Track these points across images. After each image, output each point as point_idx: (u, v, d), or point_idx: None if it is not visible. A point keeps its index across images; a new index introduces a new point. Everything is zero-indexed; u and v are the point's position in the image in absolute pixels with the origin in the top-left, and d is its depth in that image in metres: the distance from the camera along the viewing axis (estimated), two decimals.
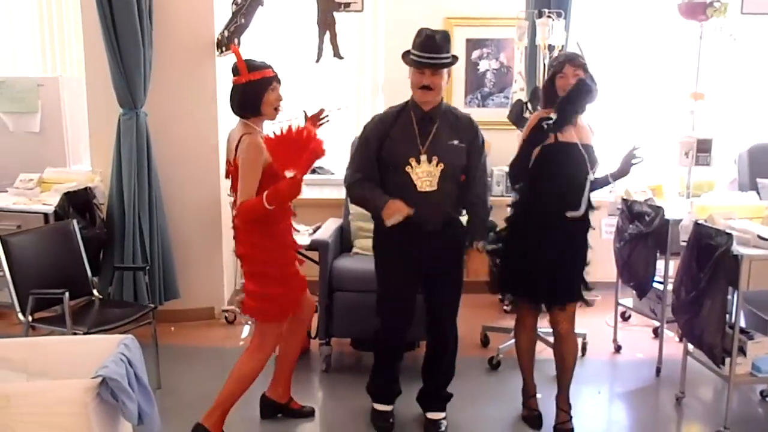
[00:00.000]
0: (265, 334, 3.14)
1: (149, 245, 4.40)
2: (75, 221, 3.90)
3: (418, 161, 3.01)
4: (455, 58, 3.04)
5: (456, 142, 3.07)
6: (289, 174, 2.81)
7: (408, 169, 3.00)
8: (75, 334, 3.29)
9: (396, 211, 2.94)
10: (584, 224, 3.28)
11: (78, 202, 4.30)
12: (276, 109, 3.06)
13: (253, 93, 3.01)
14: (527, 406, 3.51)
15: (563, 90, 3.01)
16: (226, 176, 3.19)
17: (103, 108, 4.45)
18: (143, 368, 2.49)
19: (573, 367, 3.35)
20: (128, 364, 2.36)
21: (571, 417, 3.34)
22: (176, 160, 4.61)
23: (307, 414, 3.52)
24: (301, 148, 2.84)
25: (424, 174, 3.00)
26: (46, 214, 4.25)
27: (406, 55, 3.04)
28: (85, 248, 3.85)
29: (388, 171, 3.07)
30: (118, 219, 4.38)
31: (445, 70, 3.01)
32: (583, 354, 4.26)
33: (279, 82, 3.07)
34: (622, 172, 3.33)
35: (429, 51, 2.95)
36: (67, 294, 3.35)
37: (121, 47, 4.18)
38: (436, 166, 3.02)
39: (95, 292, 3.92)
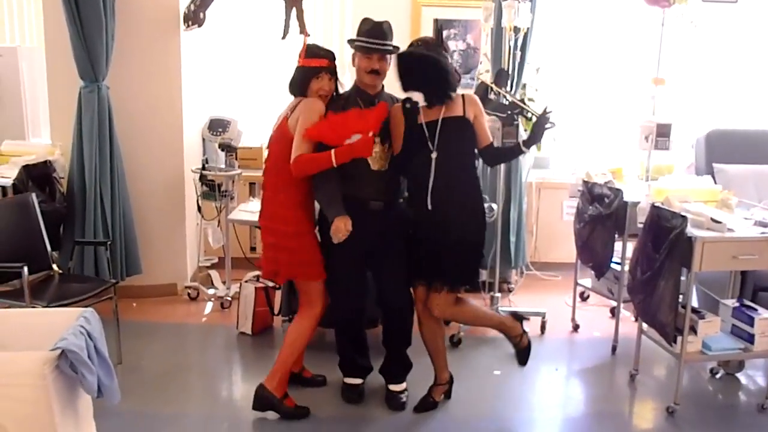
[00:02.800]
0: (310, 293, 3.23)
1: (111, 220, 4.35)
2: (34, 195, 3.83)
3: (382, 141, 3.10)
4: (398, 48, 3.17)
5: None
6: (355, 137, 2.95)
7: None
8: (34, 308, 3.26)
9: (336, 230, 3.01)
10: (472, 208, 3.22)
11: (37, 175, 4.22)
12: (321, 98, 3.14)
13: (301, 77, 3.16)
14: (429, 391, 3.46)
15: None
16: (270, 145, 3.25)
17: (64, 80, 4.37)
18: (103, 341, 2.48)
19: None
20: (88, 337, 2.34)
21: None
22: (139, 134, 4.55)
23: (319, 383, 3.59)
24: (363, 118, 3.01)
25: (376, 154, 3.10)
26: (4, 187, 4.15)
27: (352, 42, 3.18)
28: (44, 222, 3.78)
29: None
30: (78, 193, 4.32)
31: (389, 57, 3.15)
32: (542, 333, 4.36)
33: (331, 73, 3.15)
34: (534, 138, 3.26)
35: (377, 37, 3.11)
36: (25, 268, 3.30)
37: (82, 17, 4.09)
38: (389, 148, 3.16)
39: (55, 266, 3.87)
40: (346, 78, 3.68)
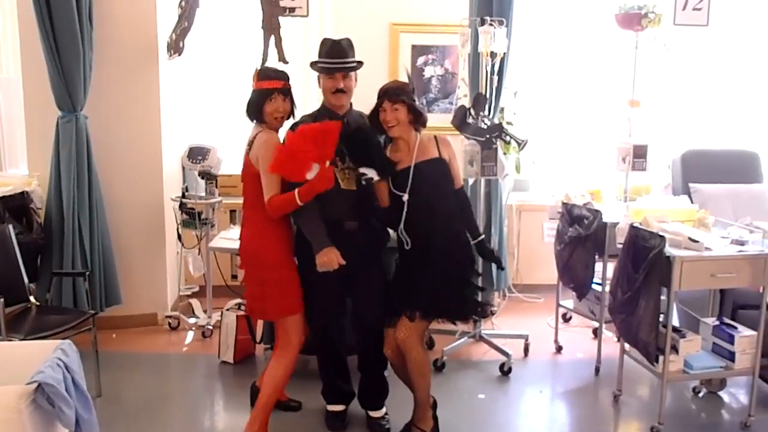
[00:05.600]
0: (288, 329, 3.17)
1: (89, 250, 4.31)
2: (11, 226, 3.78)
3: (344, 161, 3.09)
4: (361, 63, 3.20)
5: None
6: (314, 169, 2.90)
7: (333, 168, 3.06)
8: (10, 341, 3.20)
9: (328, 262, 2.98)
10: (455, 239, 3.20)
11: (14, 206, 4.17)
12: (276, 119, 3.14)
13: (255, 100, 3.14)
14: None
15: (386, 123, 3.06)
16: (242, 180, 3.21)
17: (41, 110, 4.34)
18: (81, 373, 2.45)
19: (420, 386, 3.20)
20: (65, 370, 2.31)
21: None
22: (118, 164, 4.54)
23: (294, 407, 3.57)
24: (319, 141, 2.94)
25: (340, 174, 3.08)
26: None
27: (314, 65, 3.21)
28: (21, 254, 3.73)
29: None
30: (56, 224, 4.28)
31: (354, 74, 3.18)
32: (526, 355, 4.35)
33: (284, 94, 3.14)
34: (490, 257, 3.38)
35: (337, 56, 3.13)
36: (2, 300, 3.26)
37: (60, 47, 4.09)
38: (354, 167, 3.13)
39: (32, 298, 3.81)
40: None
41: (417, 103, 3.10)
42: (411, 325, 3.08)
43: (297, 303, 3.14)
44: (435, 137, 3.20)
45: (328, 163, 2.93)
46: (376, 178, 3.05)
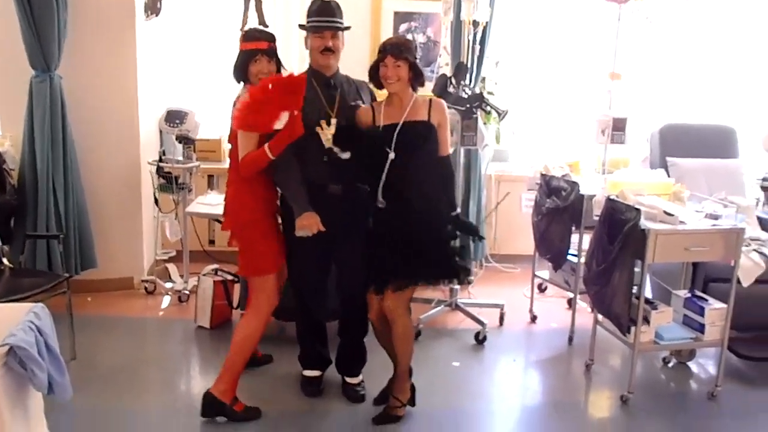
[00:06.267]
0: (259, 290, 3.17)
1: (64, 213, 4.26)
2: None
3: (329, 123, 3.06)
4: (348, 27, 3.19)
5: (360, 102, 3.20)
6: (282, 118, 2.90)
7: (318, 129, 3.04)
8: None
9: (307, 226, 2.99)
10: (429, 204, 3.14)
11: None
12: (261, 80, 3.10)
13: (241, 62, 3.15)
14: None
15: (385, 79, 3.03)
16: (228, 141, 3.22)
17: (14, 69, 4.24)
18: (54, 337, 2.43)
19: (403, 354, 3.20)
20: (38, 333, 2.29)
21: (402, 405, 3.23)
22: (94, 125, 4.46)
23: (265, 361, 3.66)
24: (289, 91, 2.95)
25: (331, 135, 3.05)
26: None
27: (303, 26, 3.18)
28: None
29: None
30: (30, 185, 4.22)
31: (342, 35, 3.15)
32: (501, 324, 4.40)
33: (269, 55, 3.15)
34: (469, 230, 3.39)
35: (326, 15, 3.10)
36: None
37: (33, 5, 3.98)
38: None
39: (5, 261, 3.77)
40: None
41: (418, 61, 3.07)
42: (398, 294, 3.08)
43: (268, 264, 3.14)
44: (430, 100, 3.15)
45: (296, 112, 2.93)
46: (347, 157, 3.03)
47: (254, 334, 3.18)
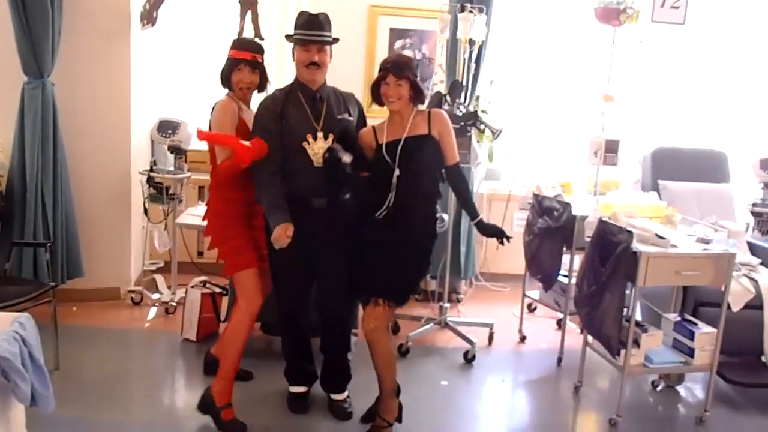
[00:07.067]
0: (242, 285, 3.17)
1: (52, 221, 4.21)
2: None
3: (315, 138, 3.05)
4: (336, 40, 3.15)
5: (347, 116, 3.17)
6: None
7: (305, 144, 3.04)
8: None
9: (277, 239, 2.98)
10: (424, 218, 3.16)
11: None
12: (242, 90, 3.19)
13: (226, 69, 3.21)
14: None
15: (387, 97, 3.03)
16: (208, 146, 3.27)
17: (6, 75, 4.21)
18: (39, 347, 2.39)
19: (387, 376, 3.15)
20: (22, 343, 2.26)
21: (389, 425, 3.17)
22: (85, 133, 4.43)
23: (245, 377, 3.58)
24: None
25: (320, 150, 3.05)
26: None
27: (289, 37, 3.14)
28: None
29: (285, 149, 3.07)
30: (19, 192, 4.17)
31: (329, 50, 3.13)
32: (490, 343, 4.39)
33: (252, 66, 3.19)
34: (486, 231, 3.27)
35: (314, 28, 3.07)
36: None
37: (27, 10, 3.96)
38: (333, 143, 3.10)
39: None
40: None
41: (418, 78, 3.06)
42: (379, 314, 3.04)
43: (244, 258, 3.15)
44: (429, 112, 3.13)
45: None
46: (347, 160, 3.00)
47: (239, 327, 3.15)
